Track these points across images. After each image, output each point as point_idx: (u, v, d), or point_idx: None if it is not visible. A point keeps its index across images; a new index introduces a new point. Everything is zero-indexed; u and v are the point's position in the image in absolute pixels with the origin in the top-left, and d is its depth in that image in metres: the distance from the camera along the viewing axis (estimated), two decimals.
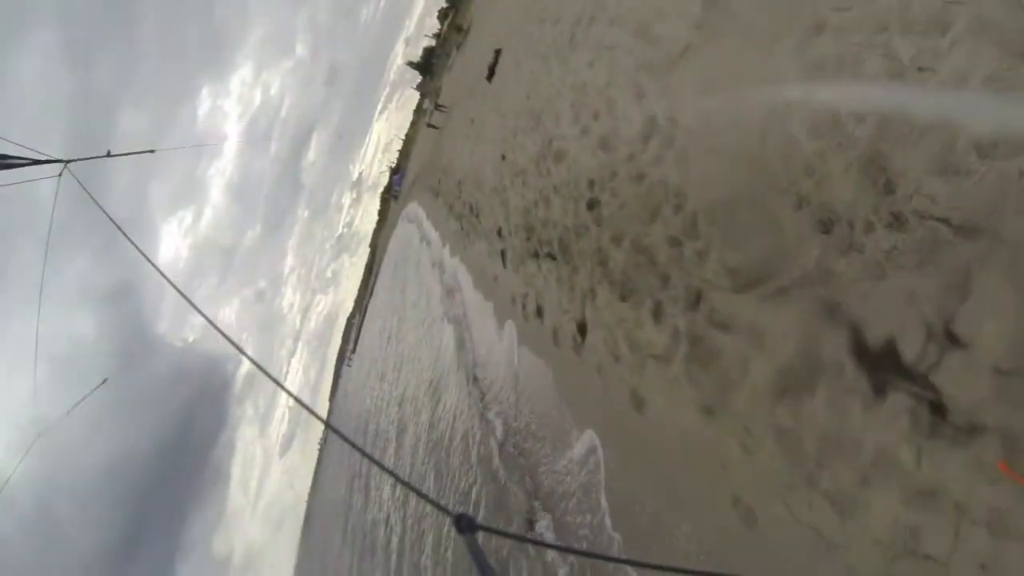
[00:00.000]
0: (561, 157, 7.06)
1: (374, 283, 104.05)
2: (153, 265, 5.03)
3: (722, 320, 4.09)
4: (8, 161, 6.28)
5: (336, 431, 2.91)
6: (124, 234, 5.58)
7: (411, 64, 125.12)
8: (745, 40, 4.36)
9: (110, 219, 6.12)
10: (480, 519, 1.68)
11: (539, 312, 7.67)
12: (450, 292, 15.07)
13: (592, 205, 6.00)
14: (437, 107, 30.67)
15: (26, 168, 6.77)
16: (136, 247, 5.29)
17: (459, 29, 39.45)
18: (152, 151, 11.51)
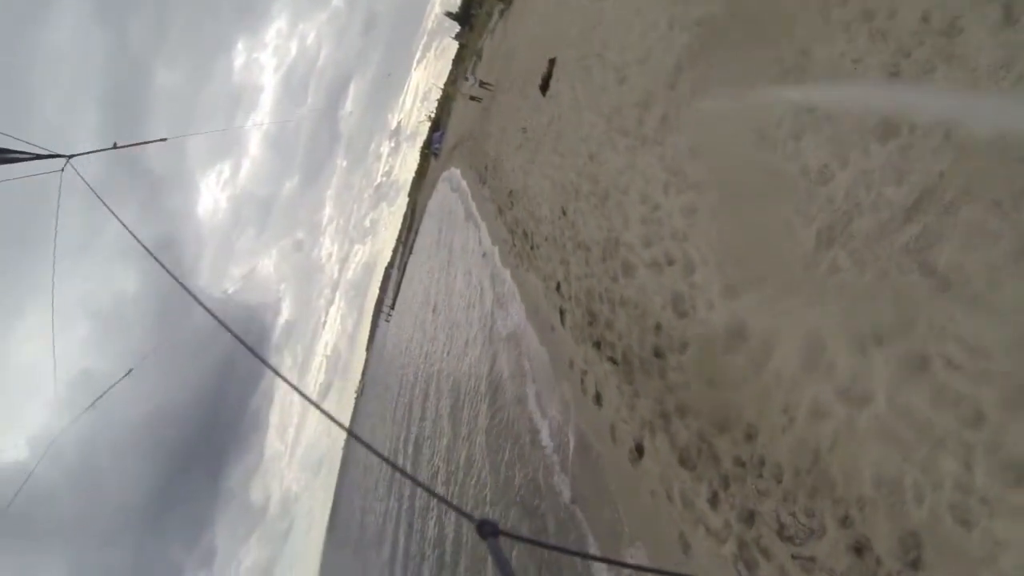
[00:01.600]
0: (629, 272, 6.66)
1: (414, 240, 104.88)
2: (159, 262, 5.01)
3: (767, 550, 4.06)
4: (8, 156, 6.36)
5: (360, 439, 2.88)
6: (127, 228, 5.66)
7: (449, 15, 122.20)
8: None
9: (113, 214, 6.23)
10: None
11: (598, 399, 7.53)
12: (502, 304, 15.00)
13: (659, 354, 5.75)
14: (482, 84, 29.87)
15: (28, 163, 6.86)
16: (139, 242, 5.32)
17: None
18: (164, 139, 11.35)
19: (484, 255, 19.76)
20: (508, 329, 13.83)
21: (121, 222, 5.96)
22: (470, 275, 22.99)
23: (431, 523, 19.73)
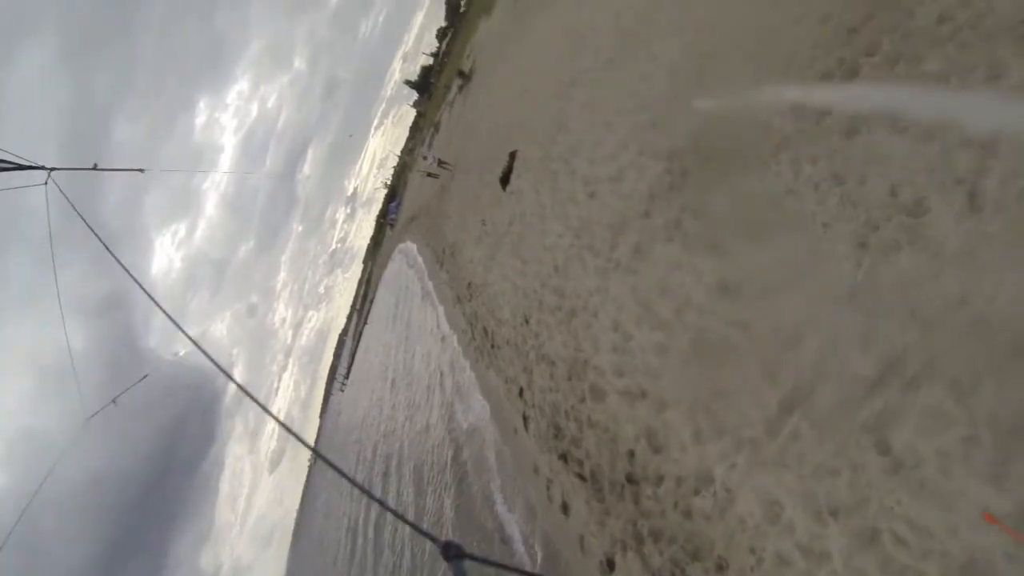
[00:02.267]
0: (599, 397, 6.74)
1: (369, 310, 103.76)
2: (137, 283, 5.11)
3: None
4: None
5: (323, 457, 2.92)
6: (108, 249, 5.59)
7: (408, 83, 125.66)
8: None
9: (94, 233, 6.16)
10: None
11: (565, 508, 7.48)
12: (462, 395, 14.85)
13: (632, 481, 5.78)
14: (441, 163, 30.42)
15: (12, 175, 6.79)
16: (120, 263, 5.34)
17: (461, 73, 39.80)
18: (142, 170, 11.18)
19: (443, 339, 19.67)
20: (469, 422, 13.68)
21: (99, 238, 6.00)
22: (428, 357, 22.79)
23: None
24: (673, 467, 5.24)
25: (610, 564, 6.16)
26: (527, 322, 10.20)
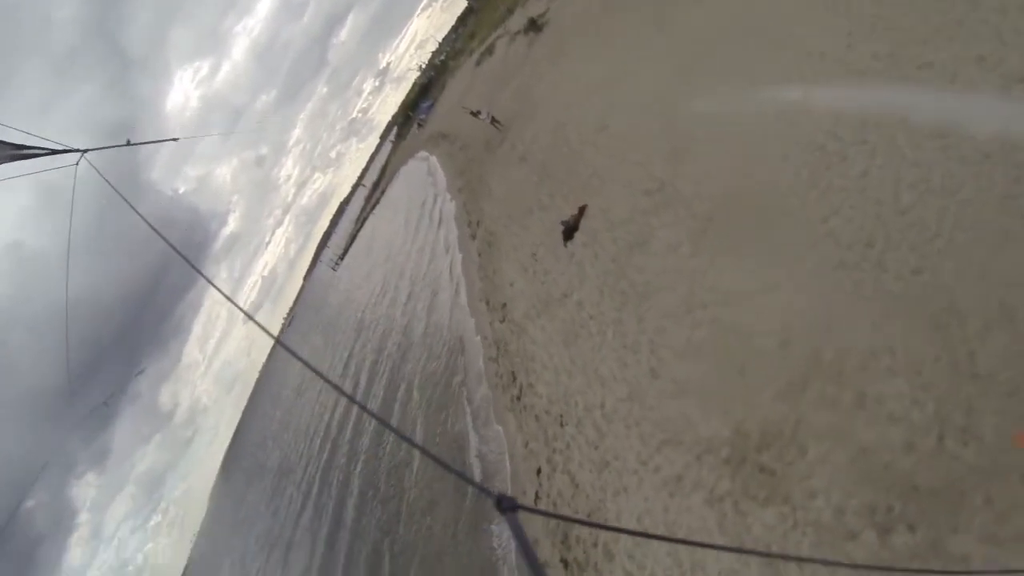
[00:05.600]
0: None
1: (379, 198, 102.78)
2: (160, 235, 5.46)
3: None
4: (27, 151, 6.54)
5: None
6: (140, 215, 5.94)
7: None
8: None
9: (127, 202, 6.43)
10: None
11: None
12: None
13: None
14: (494, 121, 29.23)
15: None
16: (150, 224, 5.65)
17: (532, 22, 36.63)
18: (176, 139, 11.48)
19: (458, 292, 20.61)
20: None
21: (139, 213, 6.13)
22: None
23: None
24: None
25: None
26: (562, 424, 10.54)
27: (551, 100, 23.84)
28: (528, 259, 15.75)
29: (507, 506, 1.36)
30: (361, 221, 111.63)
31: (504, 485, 13.16)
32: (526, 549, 1.19)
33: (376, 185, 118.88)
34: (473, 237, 24.75)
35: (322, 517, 27.36)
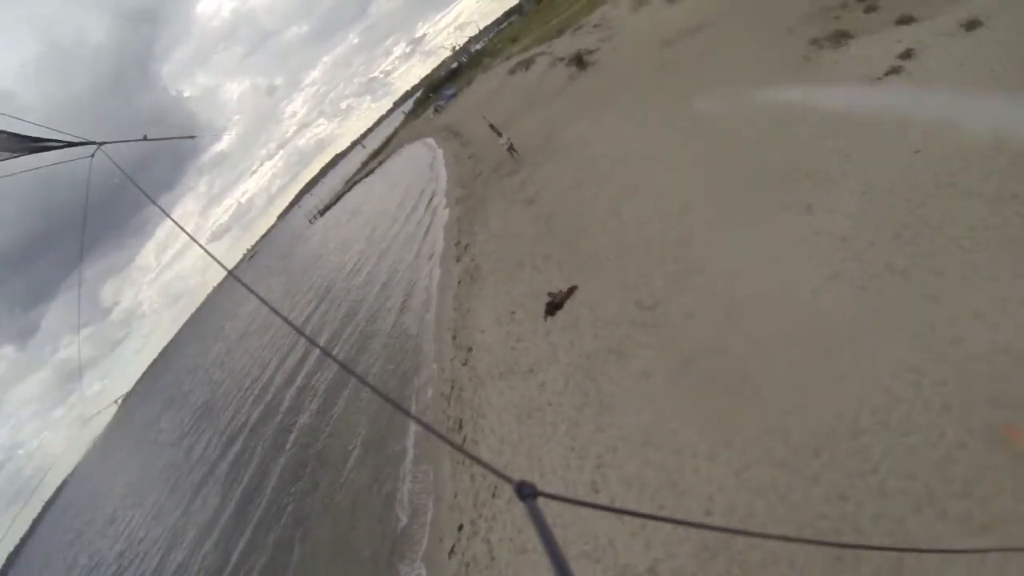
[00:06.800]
0: None
1: (375, 167, 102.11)
2: (174, 221, 5.83)
3: None
4: (44, 144, 6.77)
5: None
6: (158, 206, 6.33)
7: None
8: None
9: (144, 193, 6.73)
10: None
11: None
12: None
13: None
14: (511, 149, 29.54)
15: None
16: (168, 215, 6.12)
17: (579, 59, 36.43)
18: (193, 137, 11.71)
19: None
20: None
21: (155, 203, 6.43)
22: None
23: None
24: None
25: None
26: (494, 496, 11.09)
27: (576, 151, 23.71)
28: (506, 315, 16.11)
29: (527, 493, 1.34)
30: (351, 184, 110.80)
31: (421, 525, 13.63)
32: (546, 536, 1.16)
33: (376, 153, 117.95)
34: (457, 260, 25.01)
35: (239, 477, 27.23)
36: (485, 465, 1.73)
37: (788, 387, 8.37)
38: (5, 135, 5.65)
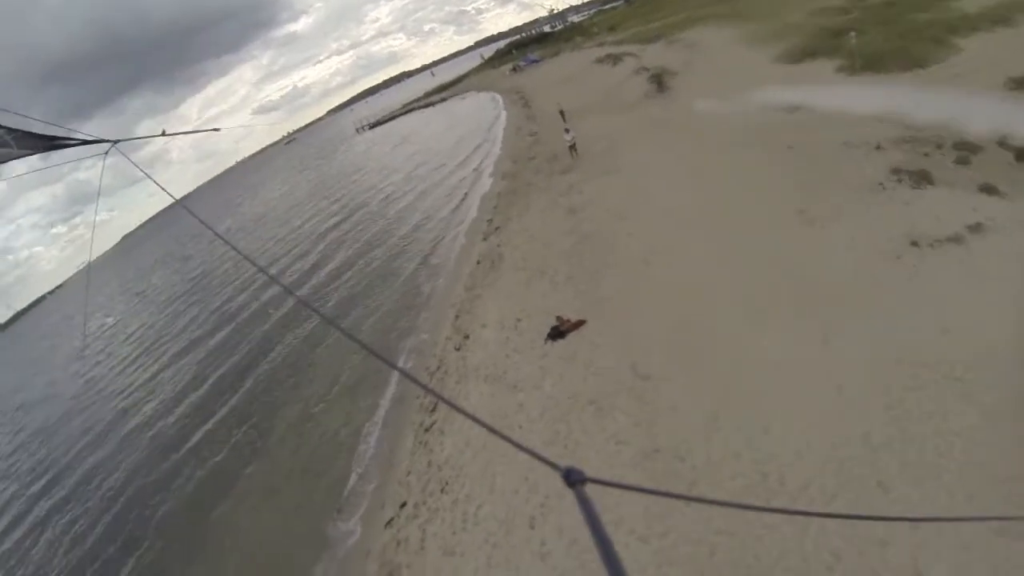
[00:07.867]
0: None
1: (437, 101, 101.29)
2: (192, 214, 6.42)
3: None
4: (60, 142, 7.32)
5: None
6: (178, 201, 6.96)
7: None
8: None
9: (162, 188, 7.33)
10: None
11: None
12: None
13: None
14: (572, 147, 29.35)
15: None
16: (191, 212, 6.77)
17: (658, 79, 35.89)
18: (217, 129, 12.01)
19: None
20: None
21: (171, 195, 6.98)
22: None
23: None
24: None
25: None
26: (442, 491, 11.76)
27: (631, 179, 22.71)
28: (511, 320, 16.40)
29: (575, 479, 1.35)
30: (408, 108, 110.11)
31: (368, 486, 14.28)
32: (593, 523, 1.16)
33: (443, 88, 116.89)
34: (484, 238, 25.20)
35: (218, 366, 27.80)
36: (532, 453, 1.71)
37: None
38: (25, 135, 5.95)
